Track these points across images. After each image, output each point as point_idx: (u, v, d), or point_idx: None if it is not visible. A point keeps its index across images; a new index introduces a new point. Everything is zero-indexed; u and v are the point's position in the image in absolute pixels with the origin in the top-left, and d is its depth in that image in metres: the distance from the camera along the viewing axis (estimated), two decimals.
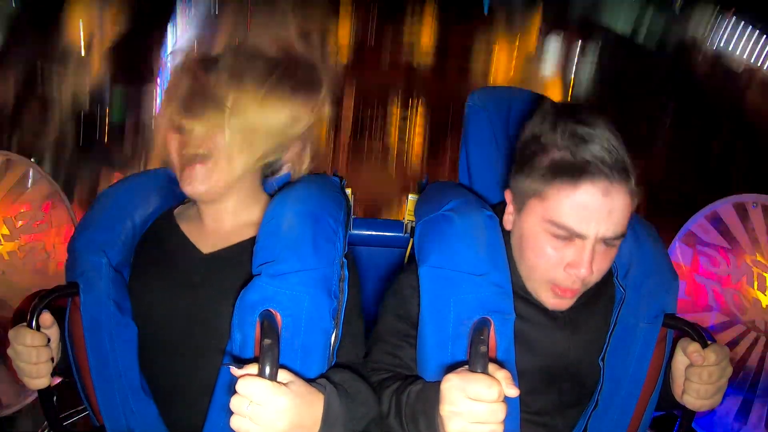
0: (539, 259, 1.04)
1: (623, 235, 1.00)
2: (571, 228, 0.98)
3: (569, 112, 1.01)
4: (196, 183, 1.04)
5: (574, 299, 1.07)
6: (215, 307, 1.05)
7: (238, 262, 1.07)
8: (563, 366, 1.13)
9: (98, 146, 3.25)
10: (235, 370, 0.85)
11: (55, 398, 1.09)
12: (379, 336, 1.16)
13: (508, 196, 1.11)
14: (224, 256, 1.11)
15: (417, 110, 4.05)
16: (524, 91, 1.50)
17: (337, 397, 0.94)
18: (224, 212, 1.13)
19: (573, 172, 0.96)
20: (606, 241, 0.99)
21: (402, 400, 1.01)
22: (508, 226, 1.12)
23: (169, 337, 1.07)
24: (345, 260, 1.07)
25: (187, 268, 1.11)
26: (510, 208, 1.11)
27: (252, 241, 1.07)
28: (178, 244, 1.14)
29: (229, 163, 1.04)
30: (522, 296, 1.11)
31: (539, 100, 1.47)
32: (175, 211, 1.21)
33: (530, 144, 1.03)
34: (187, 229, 1.16)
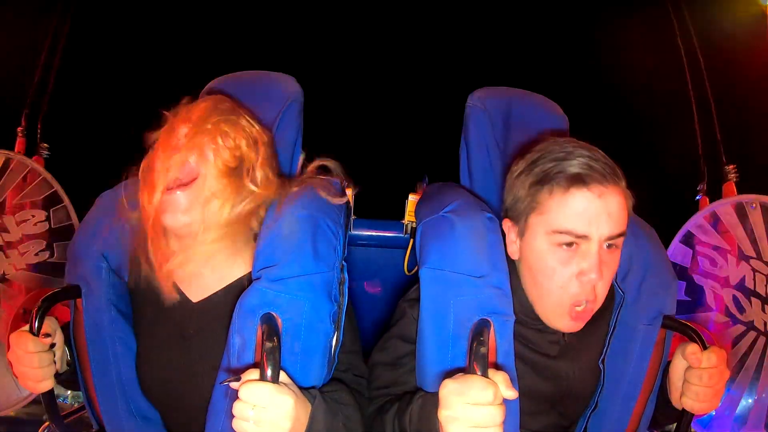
0: (552, 280, 1.04)
1: (624, 234, 1.02)
2: (574, 231, 0.99)
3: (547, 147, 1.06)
4: (178, 213, 0.98)
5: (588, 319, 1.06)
6: (209, 358, 1.03)
7: (231, 305, 1.02)
8: (566, 388, 1.13)
9: None
10: (234, 384, 0.85)
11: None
12: (383, 360, 1.15)
13: (506, 224, 1.12)
14: (215, 302, 1.07)
15: None
16: (524, 91, 1.49)
17: (322, 402, 0.94)
18: (212, 260, 1.07)
19: (564, 180, 1.00)
20: (609, 242, 1.01)
21: (405, 421, 1.01)
22: (514, 256, 1.11)
23: (166, 374, 1.07)
24: (345, 263, 1.07)
25: (178, 320, 1.07)
26: (512, 236, 1.10)
27: (243, 280, 1.06)
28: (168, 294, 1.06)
29: (211, 196, 1.00)
30: (523, 321, 1.09)
31: (539, 100, 1.47)
32: None
33: (520, 173, 1.08)
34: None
